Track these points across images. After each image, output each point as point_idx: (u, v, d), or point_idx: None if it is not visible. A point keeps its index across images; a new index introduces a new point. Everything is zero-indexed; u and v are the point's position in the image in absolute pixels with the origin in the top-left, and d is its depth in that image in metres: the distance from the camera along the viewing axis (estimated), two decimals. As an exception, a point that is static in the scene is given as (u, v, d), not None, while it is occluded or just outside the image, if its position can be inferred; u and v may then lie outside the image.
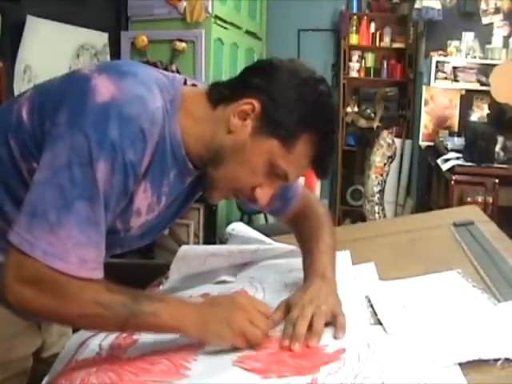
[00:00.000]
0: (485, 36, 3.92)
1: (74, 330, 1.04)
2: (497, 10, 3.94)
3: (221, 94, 0.91)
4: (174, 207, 1.02)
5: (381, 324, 0.88)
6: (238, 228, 1.49)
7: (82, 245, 0.77)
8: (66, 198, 0.77)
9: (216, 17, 3.33)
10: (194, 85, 0.97)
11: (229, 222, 2.58)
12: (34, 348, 1.03)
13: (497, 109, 3.90)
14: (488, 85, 3.75)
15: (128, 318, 0.79)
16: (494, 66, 3.74)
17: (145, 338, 0.89)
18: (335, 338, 0.85)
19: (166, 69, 3.13)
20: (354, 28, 4.52)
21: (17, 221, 0.77)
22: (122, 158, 0.79)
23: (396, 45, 4.53)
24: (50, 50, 2.64)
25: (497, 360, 0.73)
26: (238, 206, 3.53)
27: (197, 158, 0.93)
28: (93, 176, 0.78)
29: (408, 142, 4.48)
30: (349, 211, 4.70)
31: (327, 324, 0.87)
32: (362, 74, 4.61)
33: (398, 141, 4.22)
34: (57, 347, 1.10)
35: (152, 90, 0.84)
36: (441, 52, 3.93)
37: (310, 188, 4.63)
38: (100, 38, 3.10)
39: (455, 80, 3.92)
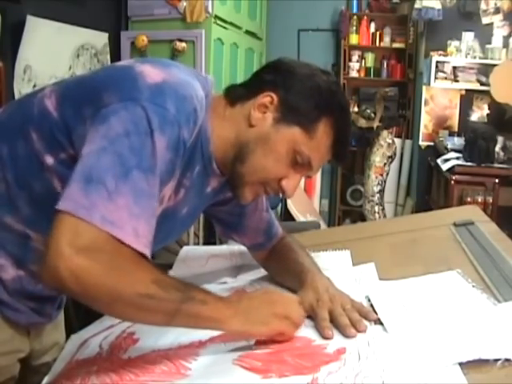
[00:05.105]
0: (485, 36, 3.92)
1: (68, 338, 1.02)
2: (497, 10, 3.93)
3: (237, 93, 0.95)
4: (192, 210, 1.00)
5: (381, 323, 0.88)
6: (239, 228, 1.49)
7: (136, 217, 0.73)
8: (124, 166, 0.73)
9: (216, 17, 3.32)
10: None
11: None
12: (21, 354, 0.98)
13: (497, 109, 3.90)
14: (488, 85, 3.75)
15: (181, 304, 0.74)
16: (494, 66, 3.73)
17: (145, 337, 0.89)
18: (371, 320, 0.90)
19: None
20: (354, 28, 4.51)
21: (66, 189, 0.72)
22: (177, 134, 0.79)
23: (396, 45, 4.52)
24: (50, 49, 2.63)
25: (497, 360, 0.73)
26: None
27: (222, 160, 0.93)
28: (151, 147, 0.75)
29: (408, 142, 4.48)
30: (349, 211, 4.69)
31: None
32: (362, 74, 4.60)
33: (397, 141, 4.23)
34: (48, 356, 1.06)
35: (195, 81, 0.87)
36: (441, 52, 3.93)
37: (310, 188, 4.64)
38: (100, 38, 3.09)
39: (455, 80, 3.92)
